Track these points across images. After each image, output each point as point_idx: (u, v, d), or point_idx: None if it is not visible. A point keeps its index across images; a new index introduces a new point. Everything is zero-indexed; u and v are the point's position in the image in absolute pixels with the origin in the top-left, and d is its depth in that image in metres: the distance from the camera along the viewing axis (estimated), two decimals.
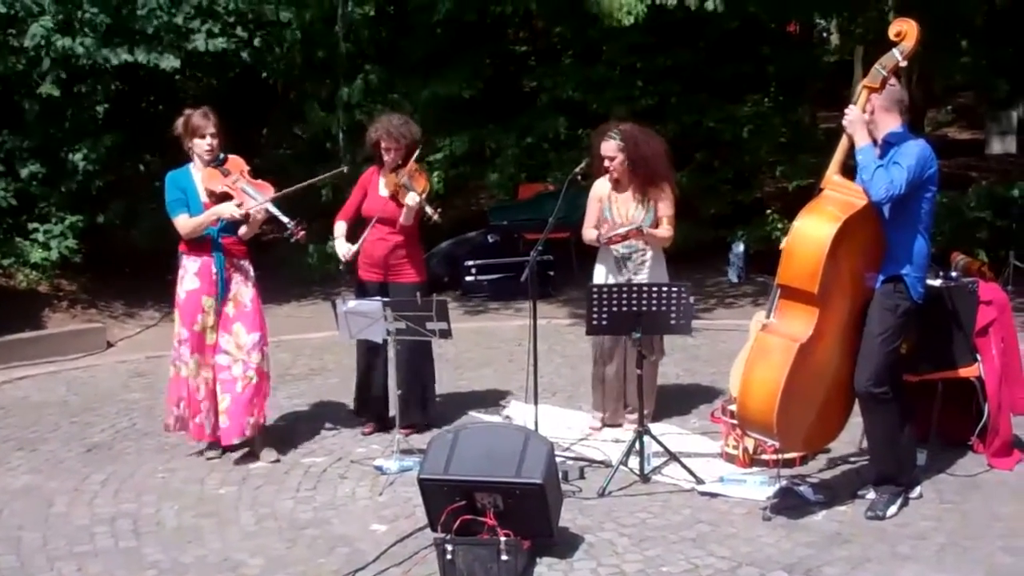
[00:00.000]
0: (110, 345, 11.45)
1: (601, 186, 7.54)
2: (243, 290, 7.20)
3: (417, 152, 7.67)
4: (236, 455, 7.26)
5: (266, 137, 16.15)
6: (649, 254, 7.42)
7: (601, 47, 15.31)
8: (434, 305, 6.82)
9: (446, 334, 6.91)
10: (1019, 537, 5.70)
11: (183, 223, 7.06)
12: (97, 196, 12.87)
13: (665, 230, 7.40)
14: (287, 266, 14.35)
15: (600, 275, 7.51)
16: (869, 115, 5.93)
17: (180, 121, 7.20)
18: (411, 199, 7.42)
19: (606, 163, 7.38)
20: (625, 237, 7.23)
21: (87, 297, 12.80)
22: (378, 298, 7.13)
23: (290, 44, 14.86)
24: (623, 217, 7.37)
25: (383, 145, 7.61)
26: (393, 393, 7.34)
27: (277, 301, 13.31)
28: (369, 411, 7.85)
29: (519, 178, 15.93)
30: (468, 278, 14.08)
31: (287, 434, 7.73)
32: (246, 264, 7.27)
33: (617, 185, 7.44)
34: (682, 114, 14.99)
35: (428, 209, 7.49)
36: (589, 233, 7.49)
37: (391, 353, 7.36)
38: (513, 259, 13.61)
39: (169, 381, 7.27)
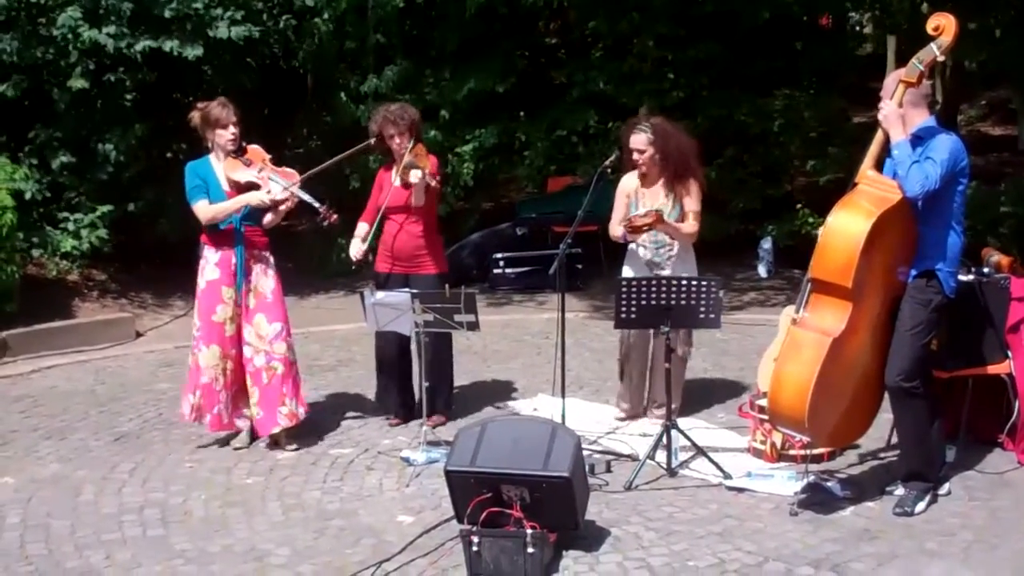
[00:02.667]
0: (139, 335, 11.49)
1: (628, 181, 7.53)
2: (264, 281, 7.22)
3: (419, 133, 7.69)
4: (261, 443, 7.30)
5: (295, 128, 16.16)
6: (676, 249, 7.40)
7: (632, 40, 15.25)
8: (462, 297, 6.81)
9: (474, 326, 6.91)
10: None
11: (203, 209, 7.06)
12: (127, 185, 12.94)
13: (690, 225, 7.36)
14: (315, 258, 14.39)
15: (628, 274, 7.49)
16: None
17: (196, 115, 7.20)
18: (415, 175, 7.35)
19: (635, 156, 7.36)
20: (647, 223, 7.15)
21: (116, 287, 12.86)
22: (406, 290, 7.13)
23: (323, 35, 14.89)
24: None
25: (387, 134, 7.60)
26: (419, 385, 7.35)
27: (305, 293, 13.37)
28: (392, 401, 7.85)
29: (548, 171, 15.90)
30: (496, 271, 14.08)
31: (314, 425, 7.73)
32: (267, 255, 7.29)
33: (644, 179, 7.42)
34: (712, 108, 14.91)
35: (429, 180, 7.44)
36: (616, 229, 7.48)
37: (412, 345, 7.38)
38: (541, 252, 13.61)
39: (189, 370, 7.31)
